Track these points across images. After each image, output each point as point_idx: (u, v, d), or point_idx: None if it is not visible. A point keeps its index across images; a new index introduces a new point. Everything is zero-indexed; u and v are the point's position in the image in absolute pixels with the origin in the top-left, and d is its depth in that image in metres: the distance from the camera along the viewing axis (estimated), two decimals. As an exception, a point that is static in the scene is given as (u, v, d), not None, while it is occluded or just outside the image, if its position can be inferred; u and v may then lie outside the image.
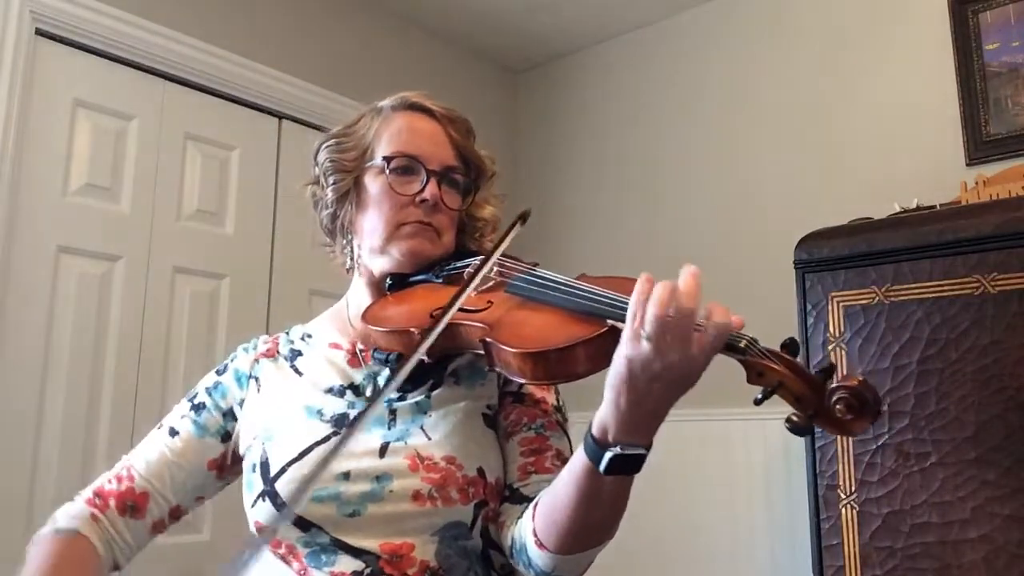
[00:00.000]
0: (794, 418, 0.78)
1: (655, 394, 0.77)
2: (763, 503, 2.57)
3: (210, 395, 1.12)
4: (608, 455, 0.79)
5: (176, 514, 1.09)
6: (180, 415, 1.11)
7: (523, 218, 1.04)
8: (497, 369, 0.90)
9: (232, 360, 1.15)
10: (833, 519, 1.76)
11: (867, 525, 1.72)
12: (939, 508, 1.64)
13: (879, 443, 1.71)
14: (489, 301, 0.99)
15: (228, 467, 1.11)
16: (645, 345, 0.75)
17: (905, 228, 1.79)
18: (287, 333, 1.17)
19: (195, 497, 1.10)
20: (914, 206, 2.15)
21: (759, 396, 0.79)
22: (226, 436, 1.10)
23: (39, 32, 2.17)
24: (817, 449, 1.80)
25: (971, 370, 1.65)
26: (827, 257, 1.85)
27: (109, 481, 1.07)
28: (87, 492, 1.07)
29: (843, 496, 1.75)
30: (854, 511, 1.73)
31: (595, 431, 0.81)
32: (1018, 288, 1.62)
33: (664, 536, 2.63)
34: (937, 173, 2.36)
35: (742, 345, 0.77)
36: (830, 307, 1.83)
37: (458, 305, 0.92)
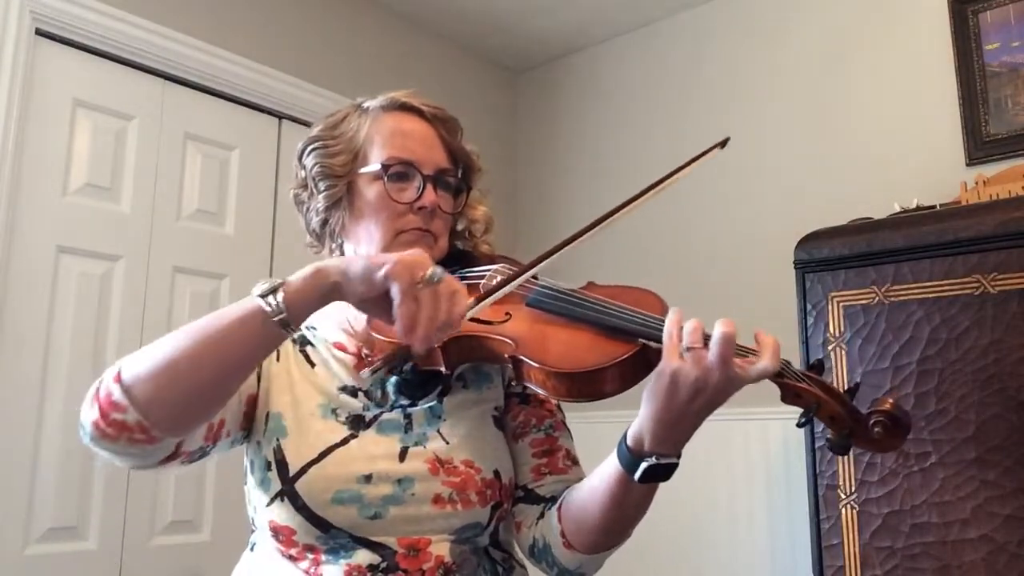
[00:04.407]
0: (831, 437, 0.86)
1: (693, 408, 0.83)
2: (763, 503, 2.57)
3: None
4: (644, 465, 0.86)
5: (217, 432, 0.96)
6: None
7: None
8: (526, 384, 0.93)
9: None
10: (833, 519, 1.76)
11: (867, 525, 1.72)
12: (939, 508, 1.64)
13: (879, 443, 1.71)
14: (507, 313, 0.98)
15: (249, 417, 1.02)
16: (687, 357, 0.82)
17: (905, 228, 1.79)
18: None
19: (226, 430, 0.98)
20: (914, 206, 2.14)
21: (801, 420, 0.86)
22: (259, 378, 1.03)
23: (39, 32, 2.17)
24: (817, 449, 1.80)
25: (971, 370, 1.65)
26: (827, 257, 1.85)
27: None
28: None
29: (843, 496, 1.75)
30: (854, 511, 1.73)
31: (630, 441, 0.88)
32: (1018, 288, 1.62)
33: (664, 536, 2.63)
34: (937, 173, 2.36)
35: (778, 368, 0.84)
36: (830, 307, 1.83)
37: (479, 309, 0.91)
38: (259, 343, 0.83)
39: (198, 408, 0.85)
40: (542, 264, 0.94)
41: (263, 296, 0.81)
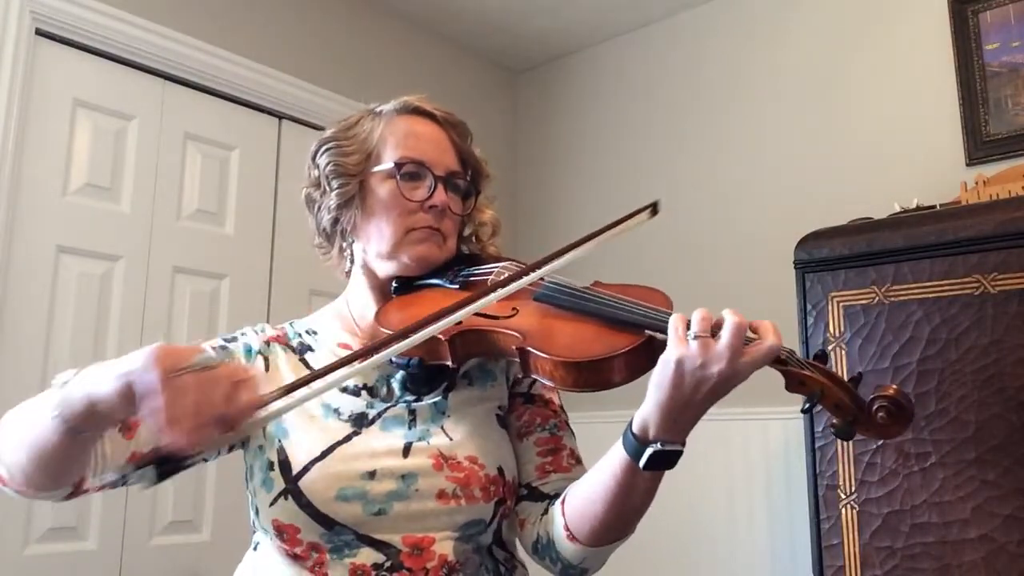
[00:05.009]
0: (835, 423, 0.86)
1: (698, 397, 0.83)
2: (763, 503, 2.57)
3: (217, 353, 1.05)
4: (649, 451, 0.86)
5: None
6: None
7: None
8: (534, 376, 0.93)
9: (241, 335, 1.10)
10: (833, 519, 1.76)
11: (867, 525, 1.72)
12: (939, 508, 1.64)
13: (879, 443, 1.71)
14: (514, 308, 0.99)
15: None
16: (693, 346, 0.82)
17: (905, 228, 1.79)
18: (291, 325, 1.15)
19: None
20: (914, 206, 2.15)
21: (805, 406, 0.86)
22: None
23: (39, 32, 2.17)
24: (817, 449, 1.80)
25: (971, 370, 1.65)
26: (827, 257, 1.85)
27: None
28: None
29: (843, 496, 1.75)
30: (854, 511, 1.73)
31: (635, 428, 0.88)
32: (1018, 288, 1.62)
33: (664, 536, 2.63)
34: (937, 173, 2.36)
35: (783, 356, 0.84)
36: (830, 307, 1.83)
37: (480, 306, 0.91)
38: (60, 437, 0.79)
39: (48, 478, 0.85)
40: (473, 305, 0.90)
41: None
